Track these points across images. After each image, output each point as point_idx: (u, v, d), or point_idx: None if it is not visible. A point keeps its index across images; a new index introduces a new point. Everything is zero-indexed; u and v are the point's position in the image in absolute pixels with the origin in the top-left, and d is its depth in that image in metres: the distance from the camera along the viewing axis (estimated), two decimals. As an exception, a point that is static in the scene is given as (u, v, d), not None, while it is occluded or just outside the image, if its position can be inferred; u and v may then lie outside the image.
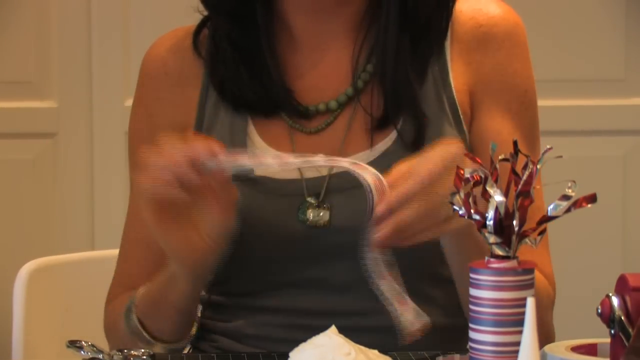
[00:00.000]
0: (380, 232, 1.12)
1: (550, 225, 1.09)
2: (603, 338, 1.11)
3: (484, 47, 1.32)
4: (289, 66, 1.33)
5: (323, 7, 1.31)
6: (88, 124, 2.55)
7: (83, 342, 1.24)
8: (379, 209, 1.11)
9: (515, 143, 1.04)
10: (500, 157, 1.03)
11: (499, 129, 1.25)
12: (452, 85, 1.30)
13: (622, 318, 1.04)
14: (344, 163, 1.15)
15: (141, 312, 1.27)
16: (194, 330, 1.31)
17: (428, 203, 1.12)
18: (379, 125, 1.29)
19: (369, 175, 1.13)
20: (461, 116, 1.29)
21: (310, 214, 1.26)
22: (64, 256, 1.56)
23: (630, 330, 1.03)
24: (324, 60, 1.33)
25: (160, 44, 1.38)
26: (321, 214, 1.25)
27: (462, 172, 1.04)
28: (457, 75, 1.31)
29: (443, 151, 1.13)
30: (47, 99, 2.57)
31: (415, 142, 1.27)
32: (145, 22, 2.51)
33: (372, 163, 1.24)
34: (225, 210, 1.17)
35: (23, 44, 2.56)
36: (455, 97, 1.29)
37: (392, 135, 1.28)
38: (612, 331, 1.05)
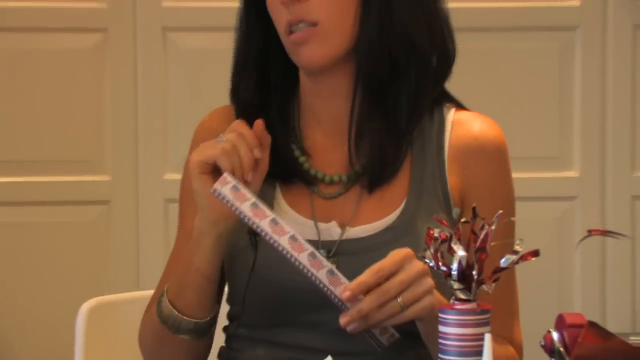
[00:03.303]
0: (345, 319, 1.12)
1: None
2: (545, 366, 1.10)
3: (477, 157, 1.29)
4: (312, 143, 1.31)
5: (332, 91, 1.30)
6: (134, 194, 2.54)
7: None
8: (343, 294, 1.12)
9: (474, 209, 1.03)
10: (462, 220, 1.02)
11: None
12: (448, 182, 1.28)
13: (561, 349, 1.03)
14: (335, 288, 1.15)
15: (171, 292, 1.24)
16: (215, 314, 1.26)
17: (383, 296, 1.11)
18: (384, 202, 1.27)
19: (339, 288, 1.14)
20: (452, 206, 1.27)
21: None
22: (117, 295, 1.55)
23: (567, 359, 1.02)
24: (338, 139, 1.30)
25: (212, 116, 1.36)
26: None
27: (432, 231, 1.03)
28: (452, 176, 1.28)
29: (395, 254, 1.12)
30: (102, 174, 2.56)
31: (413, 223, 1.25)
32: (182, 113, 2.50)
33: (379, 233, 1.25)
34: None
35: (83, 130, 2.55)
36: (449, 191, 1.27)
37: (396, 212, 1.26)
38: (553, 359, 1.04)
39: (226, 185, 1.16)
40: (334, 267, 1.14)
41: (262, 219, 1.15)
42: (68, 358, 1.49)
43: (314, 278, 1.14)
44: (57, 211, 2.54)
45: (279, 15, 1.25)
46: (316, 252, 1.14)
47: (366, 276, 1.10)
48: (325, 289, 1.13)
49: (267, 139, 1.18)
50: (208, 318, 1.24)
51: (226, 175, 1.16)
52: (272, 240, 1.15)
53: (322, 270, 1.13)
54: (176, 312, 1.23)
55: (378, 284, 1.10)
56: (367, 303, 1.10)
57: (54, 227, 2.53)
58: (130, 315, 1.41)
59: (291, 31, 1.24)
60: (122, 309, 1.49)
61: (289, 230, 1.15)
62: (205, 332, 1.25)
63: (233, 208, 1.16)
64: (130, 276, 2.53)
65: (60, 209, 2.54)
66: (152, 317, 1.26)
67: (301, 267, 1.14)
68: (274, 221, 1.15)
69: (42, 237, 2.52)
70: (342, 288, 1.12)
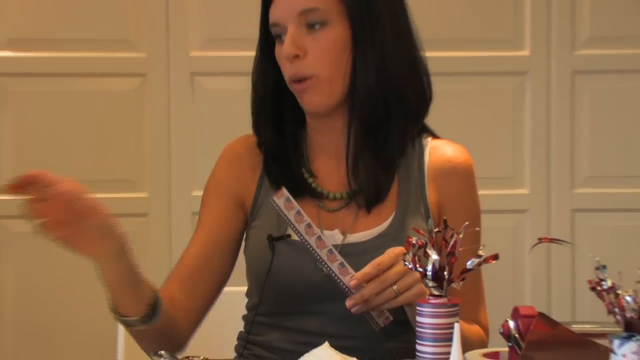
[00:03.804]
0: (351, 302, 1.13)
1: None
2: (504, 348, 1.10)
3: (451, 176, 1.29)
4: (318, 167, 1.31)
5: (331, 129, 1.29)
6: (167, 208, 2.53)
7: (162, 352, 1.20)
8: (351, 282, 1.13)
9: (445, 221, 1.03)
10: (436, 230, 1.02)
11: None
12: (427, 197, 1.27)
13: (516, 335, 1.04)
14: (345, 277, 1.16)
15: (110, 300, 1.20)
16: (155, 303, 1.19)
17: (382, 284, 1.12)
18: (377, 214, 1.27)
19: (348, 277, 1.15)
20: (431, 219, 1.27)
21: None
22: None
23: (521, 343, 1.03)
24: (338, 164, 1.30)
25: (237, 141, 1.36)
26: None
27: (410, 239, 1.03)
28: (431, 192, 1.28)
29: (391, 251, 1.13)
30: (141, 192, 2.55)
31: (400, 230, 1.24)
32: (207, 142, 2.48)
33: (373, 239, 1.25)
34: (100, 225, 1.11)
35: (126, 155, 2.54)
36: (429, 206, 1.27)
37: (387, 222, 1.26)
38: (510, 344, 1.05)
39: (281, 198, 1.17)
40: (344, 261, 1.15)
41: (301, 224, 1.16)
42: (112, 348, 1.48)
43: (328, 269, 1.15)
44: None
45: (285, 67, 1.25)
46: (333, 249, 1.16)
47: (369, 268, 1.12)
48: (336, 277, 1.15)
49: (40, 174, 1.06)
50: (136, 318, 1.17)
51: (283, 189, 1.18)
52: (303, 240, 1.16)
53: (335, 263, 1.15)
54: (120, 316, 1.19)
55: (377, 275, 1.11)
56: (368, 289, 1.11)
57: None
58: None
59: (294, 81, 1.25)
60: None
61: (317, 232, 1.16)
62: (145, 322, 1.18)
63: (282, 215, 1.17)
64: (164, 278, 2.48)
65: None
66: None
67: (320, 259, 1.15)
68: (309, 225, 1.17)
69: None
70: (349, 277, 1.14)
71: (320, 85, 1.24)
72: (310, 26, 1.23)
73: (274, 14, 1.24)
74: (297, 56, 1.22)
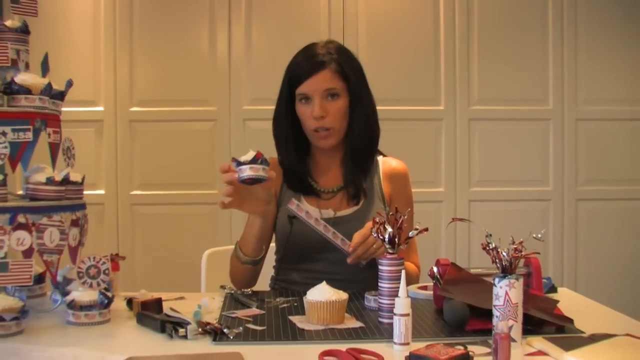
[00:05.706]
0: (350, 260, 1.12)
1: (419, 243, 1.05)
2: (430, 284, 1.08)
3: (395, 178, 1.29)
4: (318, 176, 1.29)
5: (330, 155, 1.29)
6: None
7: (226, 285, 1.20)
8: (349, 249, 1.11)
9: (396, 209, 1.03)
10: (390, 214, 1.02)
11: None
12: (383, 191, 1.27)
13: (438, 276, 1.04)
14: (337, 240, 1.14)
15: (240, 243, 1.21)
16: (262, 255, 1.20)
17: (366, 247, 1.11)
18: (355, 201, 1.26)
19: (346, 245, 1.13)
20: (387, 203, 1.26)
21: None
22: (223, 247, 1.49)
23: (441, 281, 1.02)
24: (331, 174, 1.29)
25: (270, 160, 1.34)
26: None
27: (376, 220, 1.03)
28: (385, 187, 1.28)
29: (368, 225, 1.12)
30: (213, 189, 2.53)
31: (368, 208, 1.24)
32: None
33: (351, 214, 1.23)
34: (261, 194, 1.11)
35: (203, 168, 2.51)
36: (384, 195, 1.27)
37: (359, 205, 1.25)
38: (434, 281, 1.05)
39: (293, 205, 1.16)
40: (344, 237, 1.14)
41: (311, 219, 1.15)
42: (197, 279, 1.47)
43: (334, 244, 1.14)
44: (190, 208, 2.50)
45: (309, 122, 1.24)
46: (337, 233, 1.14)
47: (358, 239, 1.11)
48: (340, 247, 1.14)
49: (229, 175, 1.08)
50: (257, 257, 1.21)
51: (293, 200, 1.17)
52: (314, 228, 1.14)
53: (337, 240, 1.14)
54: (242, 253, 1.20)
55: (362, 242, 1.11)
56: (360, 250, 1.11)
57: (189, 216, 2.49)
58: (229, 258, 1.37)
59: (316, 131, 1.24)
60: (225, 254, 1.45)
61: (323, 223, 1.14)
62: (256, 263, 1.21)
63: (296, 213, 1.15)
64: (227, 238, 2.48)
65: (191, 207, 2.50)
66: (233, 254, 1.24)
67: (325, 237, 1.13)
68: (316, 220, 1.15)
69: (182, 221, 2.48)
70: (347, 246, 1.13)
71: (333, 134, 1.24)
72: (328, 97, 1.23)
73: (306, 88, 1.22)
74: (322, 117, 1.23)
